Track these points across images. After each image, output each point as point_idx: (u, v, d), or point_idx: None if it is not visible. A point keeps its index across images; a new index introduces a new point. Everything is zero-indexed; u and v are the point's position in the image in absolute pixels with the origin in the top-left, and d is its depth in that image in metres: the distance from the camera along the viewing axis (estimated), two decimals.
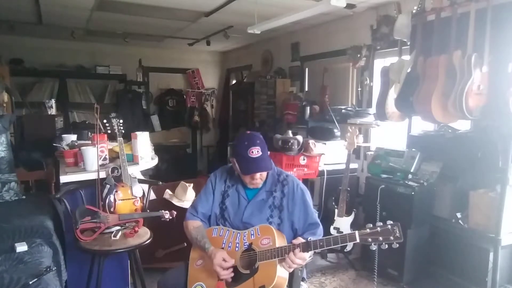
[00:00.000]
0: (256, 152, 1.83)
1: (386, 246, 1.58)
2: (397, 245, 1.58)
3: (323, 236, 1.76)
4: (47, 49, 6.04)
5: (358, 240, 1.59)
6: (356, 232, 1.60)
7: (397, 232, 1.56)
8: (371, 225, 1.61)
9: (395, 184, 3.09)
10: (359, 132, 3.48)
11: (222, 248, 1.82)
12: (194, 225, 1.95)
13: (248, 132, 1.95)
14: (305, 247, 1.66)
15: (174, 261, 2.66)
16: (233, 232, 1.86)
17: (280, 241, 1.75)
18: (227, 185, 1.99)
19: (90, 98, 6.24)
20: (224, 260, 1.74)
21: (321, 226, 1.91)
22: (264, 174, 1.91)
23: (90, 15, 4.49)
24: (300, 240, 1.70)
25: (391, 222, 1.59)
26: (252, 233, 1.80)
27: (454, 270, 2.92)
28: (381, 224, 1.60)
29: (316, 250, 1.70)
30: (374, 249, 1.60)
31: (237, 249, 1.80)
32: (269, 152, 1.94)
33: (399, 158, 3.30)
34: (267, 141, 1.98)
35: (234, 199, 1.95)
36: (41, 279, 1.74)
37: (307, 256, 1.70)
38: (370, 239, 1.58)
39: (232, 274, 1.74)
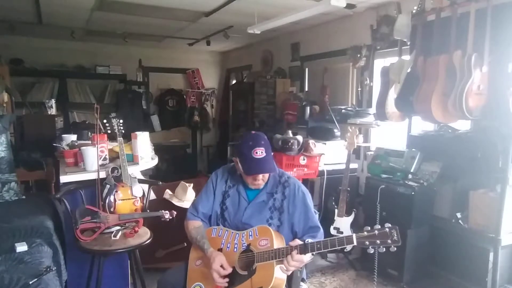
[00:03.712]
0: (260, 153, 1.81)
1: (384, 250, 1.55)
2: (395, 248, 1.53)
3: (323, 238, 1.75)
4: (47, 49, 6.04)
5: (355, 243, 1.57)
6: (354, 235, 1.58)
7: (395, 235, 1.52)
8: (369, 228, 1.58)
9: (395, 184, 3.09)
10: (359, 132, 3.48)
11: (221, 249, 1.82)
12: (194, 225, 1.95)
13: (253, 132, 1.93)
14: (303, 249, 1.65)
15: (174, 261, 2.64)
16: (232, 232, 1.86)
17: (278, 243, 1.74)
18: (228, 185, 1.98)
19: (90, 98, 6.24)
20: (222, 267, 1.73)
21: (321, 230, 1.89)
22: (267, 175, 1.90)
23: (90, 15, 4.49)
24: (297, 242, 1.69)
25: (389, 225, 1.56)
26: (250, 234, 1.80)
27: (454, 270, 2.92)
28: (379, 227, 1.57)
29: (314, 252, 1.68)
30: (371, 252, 1.57)
31: (235, 249, 1.80)
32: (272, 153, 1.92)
33: (399, 158, 3.30)
34: None
35: (235, 200, 1.95)
36: (41, 279, 1.74)
37: (305, 258, 1.68)
38: (367, 242, 1.55)
39: (227, 285, 1.73)
